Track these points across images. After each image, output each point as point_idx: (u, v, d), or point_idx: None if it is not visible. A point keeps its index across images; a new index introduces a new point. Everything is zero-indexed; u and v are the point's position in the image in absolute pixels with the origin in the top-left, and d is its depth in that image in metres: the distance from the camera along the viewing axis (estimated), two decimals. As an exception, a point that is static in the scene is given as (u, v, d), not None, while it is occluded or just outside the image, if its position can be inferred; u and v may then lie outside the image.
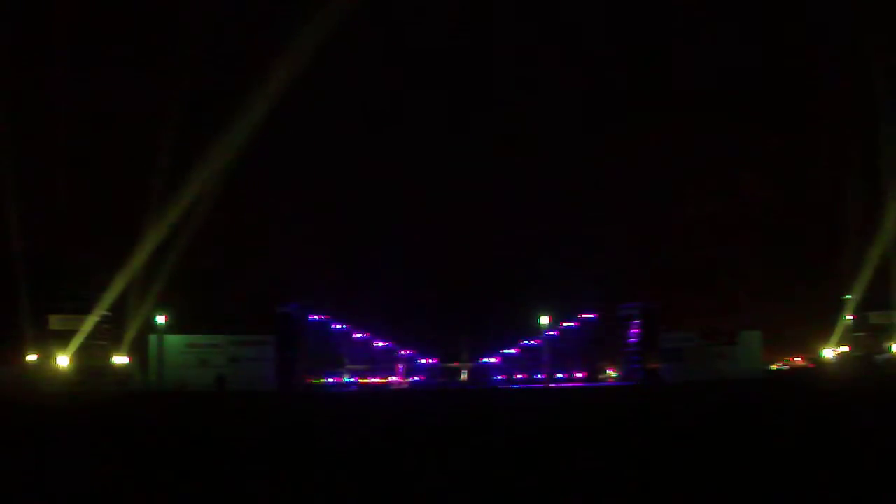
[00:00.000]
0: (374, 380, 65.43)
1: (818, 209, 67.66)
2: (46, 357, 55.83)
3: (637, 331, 62.82)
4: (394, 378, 66.29)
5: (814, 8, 70.74)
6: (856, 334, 64.38)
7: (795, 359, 70.70)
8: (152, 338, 59.25)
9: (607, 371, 69.19)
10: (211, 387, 54.15)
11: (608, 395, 39.98)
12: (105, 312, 61.37)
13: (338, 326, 66.13)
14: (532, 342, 66.00)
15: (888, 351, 60.89)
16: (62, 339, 58.95)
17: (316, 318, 64.89)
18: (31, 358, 55.98)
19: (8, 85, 60.73)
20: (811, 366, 64.76)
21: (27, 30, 66.37)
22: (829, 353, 62.64)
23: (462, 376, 68.17)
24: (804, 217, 68.05)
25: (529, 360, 66.21)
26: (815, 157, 68.32)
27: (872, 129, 65.46)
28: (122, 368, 55.91)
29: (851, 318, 65.12)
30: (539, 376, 63.63)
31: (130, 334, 60.07)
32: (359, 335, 66.44)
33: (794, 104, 69.90)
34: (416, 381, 66.23)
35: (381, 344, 66.80)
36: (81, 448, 13.10)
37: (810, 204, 68.17)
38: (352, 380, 64.93)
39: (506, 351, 67.96)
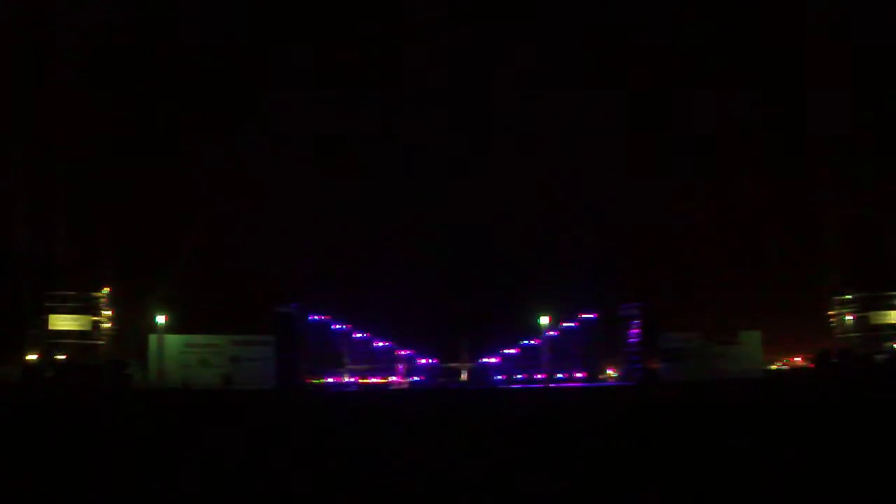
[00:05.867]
0: (374, 380, 65.40)
1: (818, 209, 67.71)
2: (46, 357, 55.90)
3: (637, 331, 62.78)
4: (394, 378, 66.27)
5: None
6: (856, 334, 64.44)
7: (795, 359, 70.68)
8: (152, 338, 59.30)
9: (607, 371, 69.15)
10: (216, 385, 54.31)
11: (608, 395, 39.98)
12: (105, 312, 61.53)
13: (338, 326, 66.11)
14: (532, 342, 65.95)
15: (888, 351, 60.91)
16: (62, 339, 59.12)
17: (316, 318, 64.89)
18: (31, 358, 56.05)
19: (8, 86, 60.87)
20: (811, 366, 64.74)
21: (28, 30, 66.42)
22: (828, 352, 62.60)
23: (462, 376, 68.13)
24: (804, 216, 68.09)
25: (529, 360, 66.13)
26: (814, 155, 68.37)
27: (871, 127, 65.56)
28: (122, 368, 55.90)
29: (851, 318, 65.19)
30: (539, 376, 63.59)
31: (130, 334, 60.24)
32: (359, 335, 66.42)
33: (792, 103, 69.98)
34: (416, 381, 66.20)
35: (381, 344, 66.77)
36: (82, 447, 13.11)
37: (810, 203, 68.20)
38: (352, 380, 64.93)
39: (506, 351, 67.92)
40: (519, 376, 65.69)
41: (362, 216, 74.04)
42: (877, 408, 20.46)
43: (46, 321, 59.07)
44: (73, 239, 59.50)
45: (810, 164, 68.34)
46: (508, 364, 67.43)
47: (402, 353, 67.35)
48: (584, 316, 66.81)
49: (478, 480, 9.16)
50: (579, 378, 64.89)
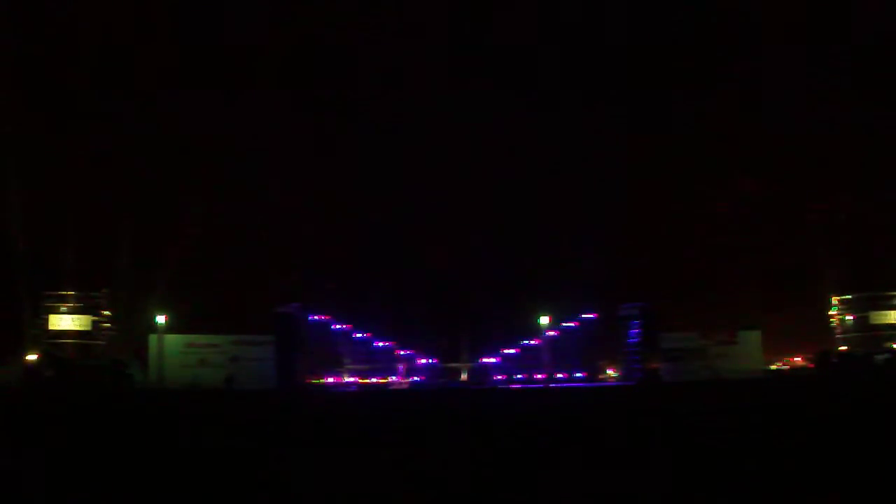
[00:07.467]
0: (374, 380, 65.48)
1: (818, 208, 67.73)
2: (46, 357, 55.92)
3: (637, 331, 62.81)
4: (394, 378, 66.34)
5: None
6: (856, 334, 64.46)
7: (795, 359, 70.72)
8: (152, 338, 59.36)
9: (607, 371, 69.20)
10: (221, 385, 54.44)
11: (608, 395, 40.02)
12: (105, 312, 61.57)
13: (338, 326, 66.18)
14: (532, 342, 65.99)
15: (888, 351, 60.89)
16: (62, 339, 59.18)
17: (316, 318, 64.95)
18: (31, 358, 56.09)
19: (8, 83, 60.92)
20: (811, 366, 64.83)
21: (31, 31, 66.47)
22: (828, 353, 62.62)
23: (462, 376, 68.22)
24: (803, 216, 68.11)
25: (529, 360, 66.19)
26: (814, 155, 68.35)
27: (871, 128, 65.58)
28: (122, 368, 55.94)
29: (851, 318, 65.21)
30: (539, 376, 63.64)
31: (130, 334, 60.31)
32: (359, 335, 66.50)
33: (791, 102, 70.01)
34: (416, 380, 66.29)
35: (381, 344, 66.84)
36: (83, 448, 13.12)
37: (809, 203, 68.23)
38: (352, 380, 65.00)
39: (506, 351, 67.98)
40: (519, 376, 65.75)
41: (362, 216, 74.07)
42: (877, 408, 20.47)
43: (46, 321, 59.13)
44: (73, 239, 59.49)
45: (810, 163, 68.32)
46: (508, 364, 67.49)
47: (402, 353, 67.42)
48: (584, 316, 66.86)
49: (478, 480, 9.17)
50: (579, 378, 64.92)
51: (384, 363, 66.72)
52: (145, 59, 67.52)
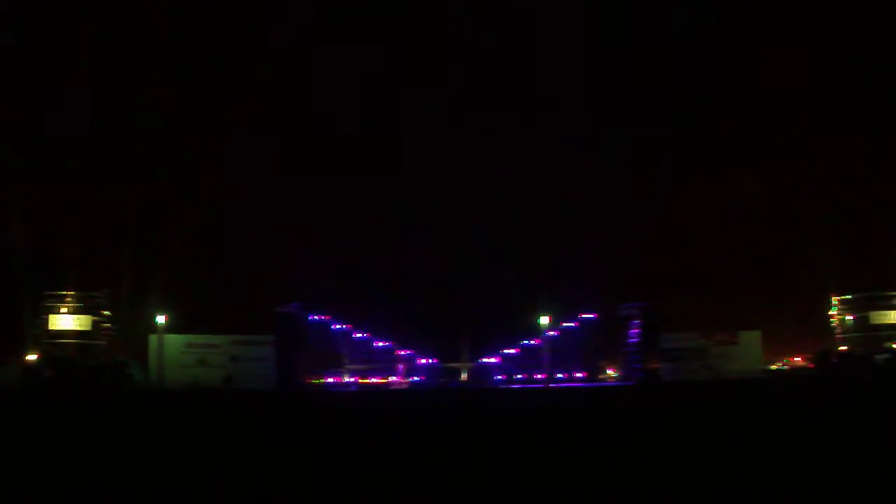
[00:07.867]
0: (374, 380, 65.47)
1: (818, 209, 67.72)
2: (46, 357, 55.93)
3: (637, 331, 62.80)
4: (394, 378, 66.33)
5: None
6: (856, 334, 64.41)
7: (795, 359, 70.70)
8: (152, 338, 59.38)
9: (607, 371, 69.18)
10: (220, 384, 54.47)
11: (608, 394, 40.00)
12: (105, 312, 61.54)
13: (338, 326, 66.16)
14: (532, 342, 65.99)
15: (888, 351, 60.85)
16: (62, 338, 59.15)
17: (316, 318, 64.93)
18: (31, 358, 56.07)
19: (7, 81, 60.93)
20: (811, 366, 64.79)
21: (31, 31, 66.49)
22: (828, 353, 62.61)
23: (462, 376, 68.21)
24: (803, 217, 68.12)
25: (529, 360, 66.19)
26: (815, 155, 68.35)
27: (873, 129, 65.56)
28: (122, 368, 55.97)
29: (851, 318, 65.16)
30: (539, 376, 63.64)
31: (130, 334, 60.32)
32: (359, 335, 66.48)
33: (790, 103, 70.04)
34: (416, 380, 66.29)
35: (381, 344, 66.83)
36: (83, 448, 13.11)
37: (810, 203, 68.23)
38: (352, 380, 65.00)
39: (506, 351, 67.97)
40: (519, 376, 65.74)
41: (363, 216, 74.11)
42: (877, 408, 20.46)
43: (46, 321, 59.10)
44: (73, 239, 59.49)
45: (809, 162, 68.33)
46: (508, 364, 67.48)
47: (402, 353, 67.40)
48: (584, 316, 66.84)
49: (478, 480, 9.17)
50: (579, 378, 64.91)
51: (384, 363, 66.70)
52: (146, 64, 67.59)
